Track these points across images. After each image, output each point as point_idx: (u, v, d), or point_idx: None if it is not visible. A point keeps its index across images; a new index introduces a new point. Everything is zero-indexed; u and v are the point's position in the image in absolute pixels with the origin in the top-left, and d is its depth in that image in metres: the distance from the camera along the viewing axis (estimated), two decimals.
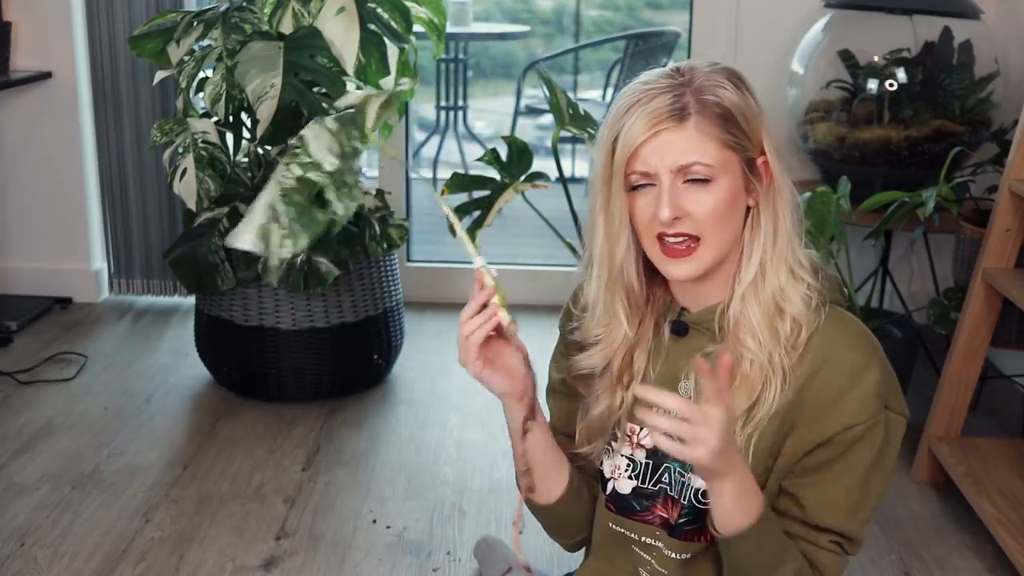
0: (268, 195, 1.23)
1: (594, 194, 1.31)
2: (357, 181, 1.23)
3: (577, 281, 1.42)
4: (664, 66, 1.29)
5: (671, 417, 1.15)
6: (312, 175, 1.21)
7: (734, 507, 1.23)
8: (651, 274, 1.34)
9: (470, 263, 1.26)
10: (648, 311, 1.36)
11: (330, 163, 1.22)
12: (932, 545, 2.31)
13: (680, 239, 1.25)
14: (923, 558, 2.26)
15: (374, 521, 2.38)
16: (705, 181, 1.23)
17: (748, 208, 1.29)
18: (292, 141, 1.25)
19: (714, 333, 1.31)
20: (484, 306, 1.26)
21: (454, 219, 1.31)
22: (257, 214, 1.22)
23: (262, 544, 2.27)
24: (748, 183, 1.27)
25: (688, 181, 1.24)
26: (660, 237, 1.26)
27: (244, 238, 1.21)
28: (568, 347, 1.43)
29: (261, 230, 1.21)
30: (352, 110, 1.25)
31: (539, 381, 1.35)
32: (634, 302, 1.34)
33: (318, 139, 1.22)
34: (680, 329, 1.34)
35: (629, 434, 1.37)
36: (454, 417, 2.89)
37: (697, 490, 1.33)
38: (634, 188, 1.26)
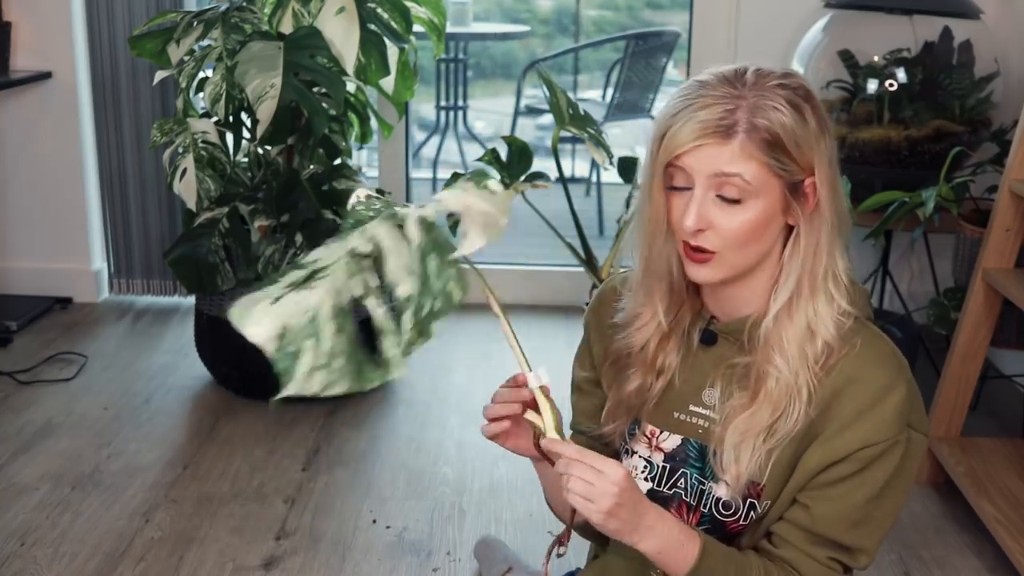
0: (316, 294, 0.83)
1: (642, 182, 1.31)
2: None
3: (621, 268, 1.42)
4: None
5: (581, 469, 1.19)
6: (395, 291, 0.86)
7: (660, 563, 1.25)
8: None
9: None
10: (686, 305, 1.35)
11: (406, 288, 0.89)
12: (932, 545, 2.31)
13: (699, 251, 1.26)
14: (923, 558, 2.26)
15: (374, 521, 2.38)
16: (736, 201, 1.22)
17: (791, 227, 1.27)
18: (353, 238, 0.84)
19: (743, 344, 1.30)
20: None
21: (508, 332, 1.19)
22: (287, 305, 0.83)
23: (262, 544, 2.27)
24: (788, 205, 1.25)
25: (720, 196, 1.23)
26: (684, 242, 1.26)
27: (256, 328, 0.84)
28: (609, 331, 1.41)
29: (287, 335, 0.86)
30: (441, 226, 0.88)
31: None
32: (671, 290, 1.33)
33: (398, 253, 0.85)
34: (709, 338, 1.34)
35: (649, 436, 1.37)
36: (454, 417, 2.89)
37: (718, 500, 1.32)
38: (673, 188, 1.26)
